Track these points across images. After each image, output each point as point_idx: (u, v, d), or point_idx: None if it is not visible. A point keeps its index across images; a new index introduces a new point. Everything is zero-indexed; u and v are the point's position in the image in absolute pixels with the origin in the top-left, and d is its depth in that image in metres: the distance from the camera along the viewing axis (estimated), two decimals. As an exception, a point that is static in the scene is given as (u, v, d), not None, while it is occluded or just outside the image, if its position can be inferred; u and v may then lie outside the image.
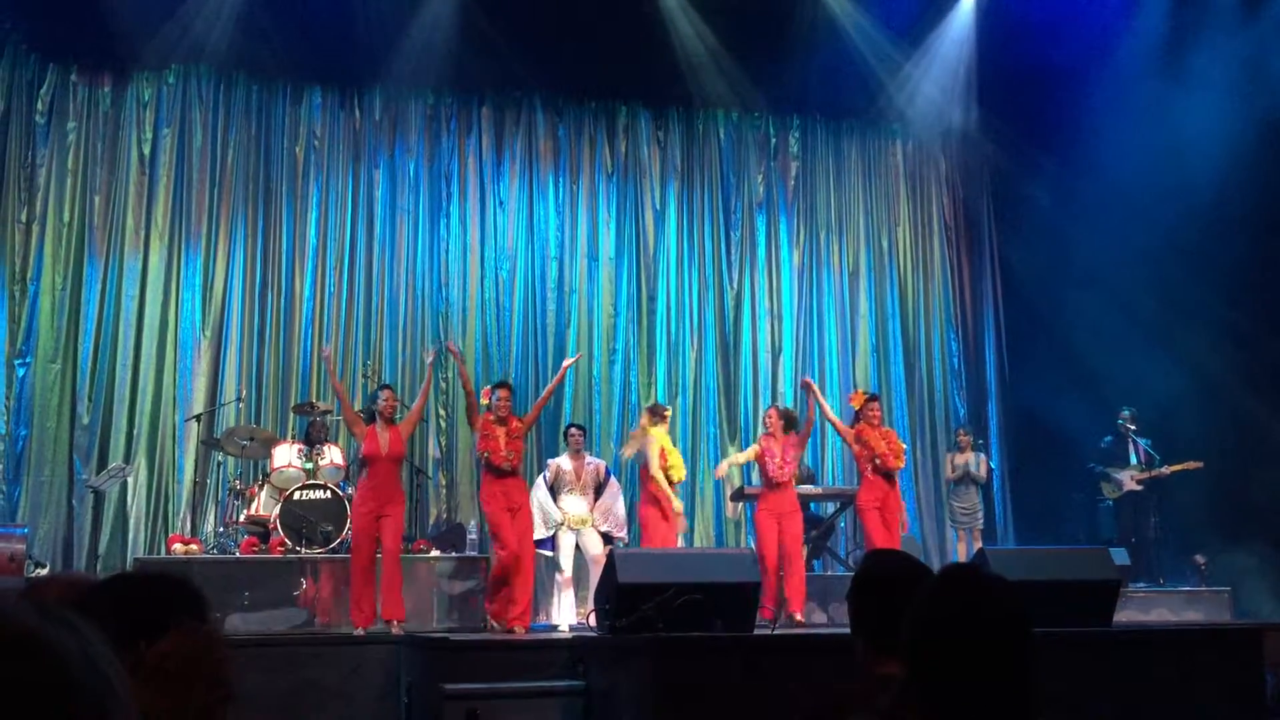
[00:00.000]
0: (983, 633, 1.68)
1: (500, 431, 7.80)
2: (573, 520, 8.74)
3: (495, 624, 7.75)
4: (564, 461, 8.91)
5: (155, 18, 10.22)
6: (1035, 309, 11.94)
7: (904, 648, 1.74)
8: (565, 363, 9.00)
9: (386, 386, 8.29)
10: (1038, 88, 11.53)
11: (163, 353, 10.29)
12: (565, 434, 9.19)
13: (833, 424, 9.07)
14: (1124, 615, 8.47)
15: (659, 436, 8.72)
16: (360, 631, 7.40)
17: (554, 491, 8.84)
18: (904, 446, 8.81)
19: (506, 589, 7.70)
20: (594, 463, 9.13)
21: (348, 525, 8.44)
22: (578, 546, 8.78)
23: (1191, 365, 10.55)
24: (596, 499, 8.94)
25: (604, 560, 7.97)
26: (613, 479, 9.16)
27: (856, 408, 8.72)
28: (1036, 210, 11.88)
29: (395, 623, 7.44)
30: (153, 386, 10.19)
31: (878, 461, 8.42)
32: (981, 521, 10.24)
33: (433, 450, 10.54)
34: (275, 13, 10.45)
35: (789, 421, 8.72)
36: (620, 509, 9.08)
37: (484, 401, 8.01)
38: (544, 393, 9.03)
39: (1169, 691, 5.39)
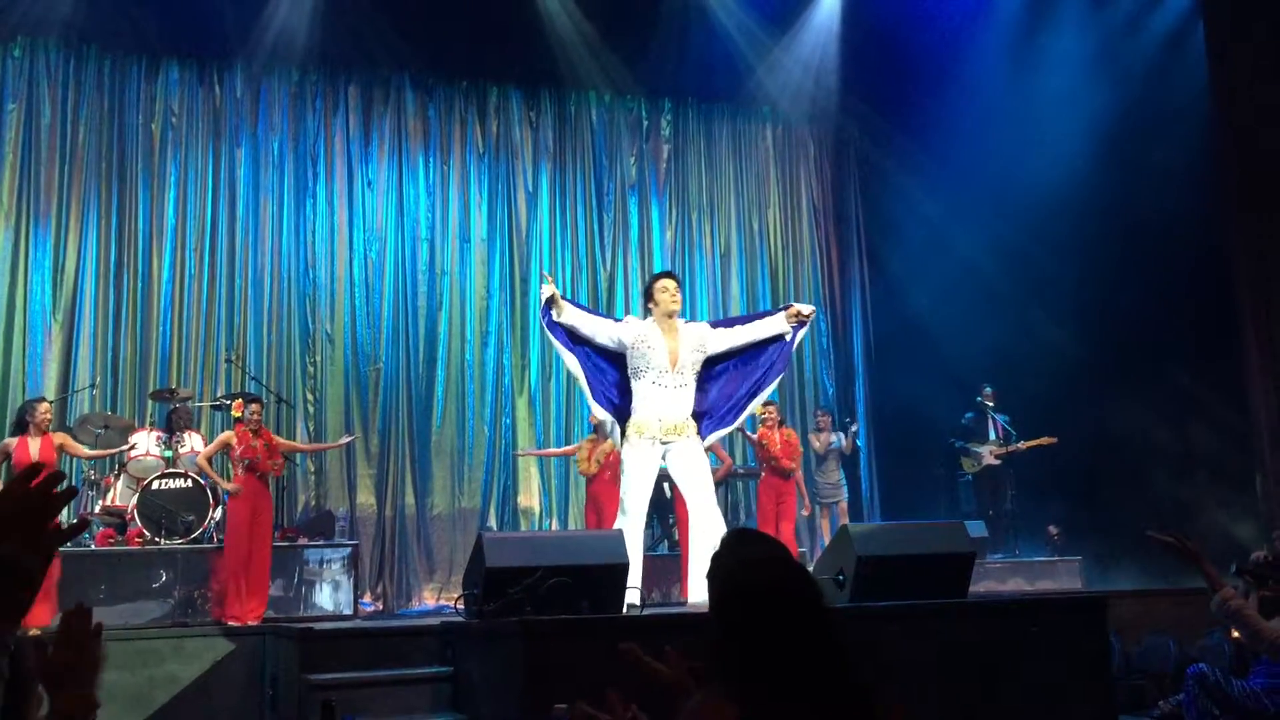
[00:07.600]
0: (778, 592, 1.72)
1: (260, 442, 7.85)
2: (661, 429, 5.90)
3: (232, 622, 7.40)
4: (649, 330, 5.95)
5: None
6: (900, 290, 12.24)
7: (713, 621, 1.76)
8: (343, 439, 9.75)
9: (43, 399, 8.27)
10: (901, 74, 11.81)
11: (10, 337, 9.86)
12: (649, 291, 6.13)
13: (745, 438, 9.89)
14: (982, 586, 8.79)
15: None
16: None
17: (625, 382, 6.01)
18: (800, 448, 9.42)
19: (238, 588, 7.57)
20: (696, 329, 6.11)
21: (210, 514, 8.24)
22: (665, 479, 5.97)
23: (1046, 345, 10.97)
24: (701, 394, 5.99)
25: (708, 500, 6.04)
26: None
27: (756, 413, 9.01)
28: (902, 194, 12.17)
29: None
30: (0, 372, 9.76)
31: (773, 462, 9.04)
32: (845, 496, 10.50)
33: (300, 436, 10.30)
34: (128, -17, 10.06)
35: None
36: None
37: (236, 414, 8.04)
38: (314, 446, 10.01)
39: (1022, 657, 5.60)
